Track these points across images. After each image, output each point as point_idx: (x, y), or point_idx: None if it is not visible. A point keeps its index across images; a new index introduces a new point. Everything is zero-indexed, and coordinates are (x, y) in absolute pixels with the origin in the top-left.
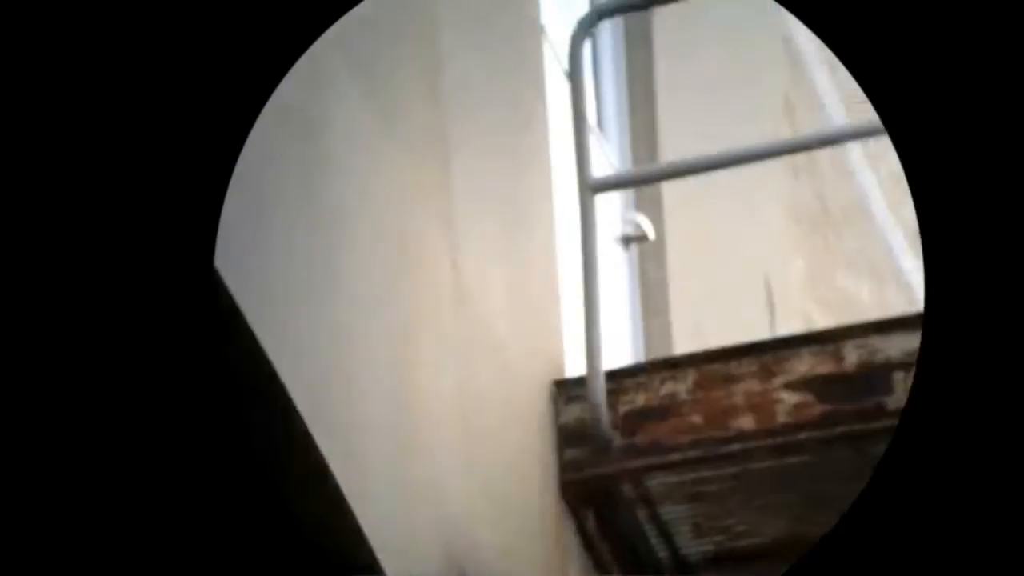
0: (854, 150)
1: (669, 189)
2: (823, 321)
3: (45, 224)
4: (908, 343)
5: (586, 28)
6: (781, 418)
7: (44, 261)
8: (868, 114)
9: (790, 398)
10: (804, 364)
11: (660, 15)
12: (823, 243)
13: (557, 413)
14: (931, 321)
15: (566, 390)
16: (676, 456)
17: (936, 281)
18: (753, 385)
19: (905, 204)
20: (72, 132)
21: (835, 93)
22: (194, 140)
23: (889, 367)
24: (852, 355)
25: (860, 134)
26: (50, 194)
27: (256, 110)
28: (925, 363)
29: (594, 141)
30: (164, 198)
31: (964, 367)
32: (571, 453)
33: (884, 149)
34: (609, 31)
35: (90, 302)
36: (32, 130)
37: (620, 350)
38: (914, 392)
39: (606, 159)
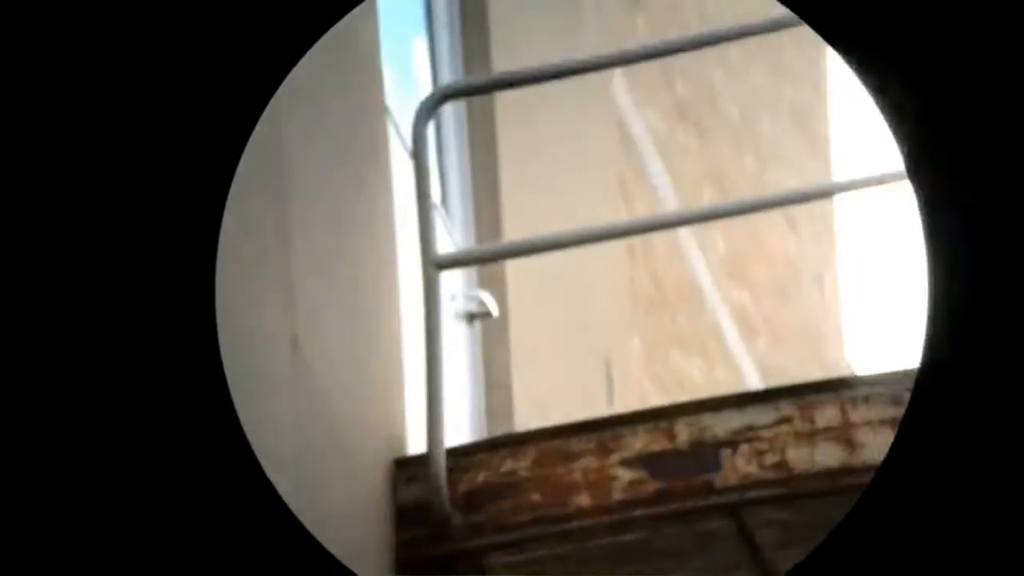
0: (685, 233)
1: (512, 267)
2: (658, 398)
3: (42, 233)
4: (735, 421)
5: (428, 110)
6: (617, 495)
7: (40, 270)
8: (698, 201)
9: (625, 475)
10: (639, 441)
11: (502, 97)
12: (658, 323)
13: (396, 491)
14: (926, 375)
15: (407, 468)
16: (515, 535)
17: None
18: (591, 462)
19: (732, 286)
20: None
21: (666, 176)
22: (194, 143)
23: (717, 444)
24: (684, 433)
25: (693, 219)
26: (45, 203)
27: (256, 113)
28: (912, 418)
29: (439, 219)
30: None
31: (956, 422)
32: (409, 533)
33: (713, 232)
34: (452, 111)
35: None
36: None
37: (462, 426)
38: (896, 446)
39: (450, 237)
